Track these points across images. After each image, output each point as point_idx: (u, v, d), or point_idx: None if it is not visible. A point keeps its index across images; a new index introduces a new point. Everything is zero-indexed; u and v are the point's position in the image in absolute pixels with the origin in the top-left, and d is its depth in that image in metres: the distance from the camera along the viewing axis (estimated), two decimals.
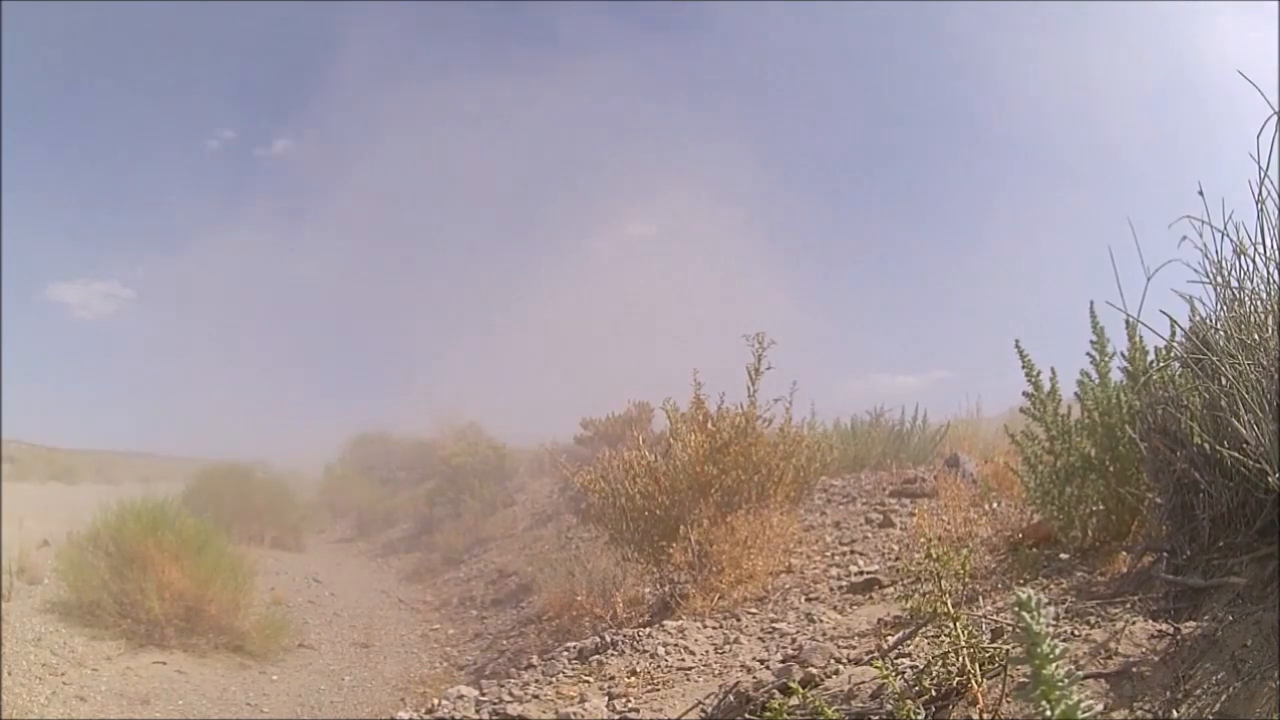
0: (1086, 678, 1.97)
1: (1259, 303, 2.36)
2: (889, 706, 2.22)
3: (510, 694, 3.62)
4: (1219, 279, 2.45)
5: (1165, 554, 2.67)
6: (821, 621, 3.80)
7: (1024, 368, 3.57)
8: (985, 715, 1.99)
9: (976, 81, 25.70)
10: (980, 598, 3.22)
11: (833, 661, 2.95)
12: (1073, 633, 2.31)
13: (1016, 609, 1.25)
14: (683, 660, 3.61)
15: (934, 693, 2.17)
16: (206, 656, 6.47)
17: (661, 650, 3.72)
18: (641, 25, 25.86)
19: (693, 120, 27.69)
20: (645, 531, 5.33)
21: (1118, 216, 2.74)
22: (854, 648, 3.15)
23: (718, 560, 4.75)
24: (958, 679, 2.12)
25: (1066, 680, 1.20)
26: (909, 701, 2.06)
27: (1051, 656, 1.21)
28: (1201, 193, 2.36)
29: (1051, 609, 2.53)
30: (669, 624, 4.08)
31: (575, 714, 3.20)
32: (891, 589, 4.06)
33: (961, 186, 26.10)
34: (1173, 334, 2.88)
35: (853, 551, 5.17)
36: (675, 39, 25.76)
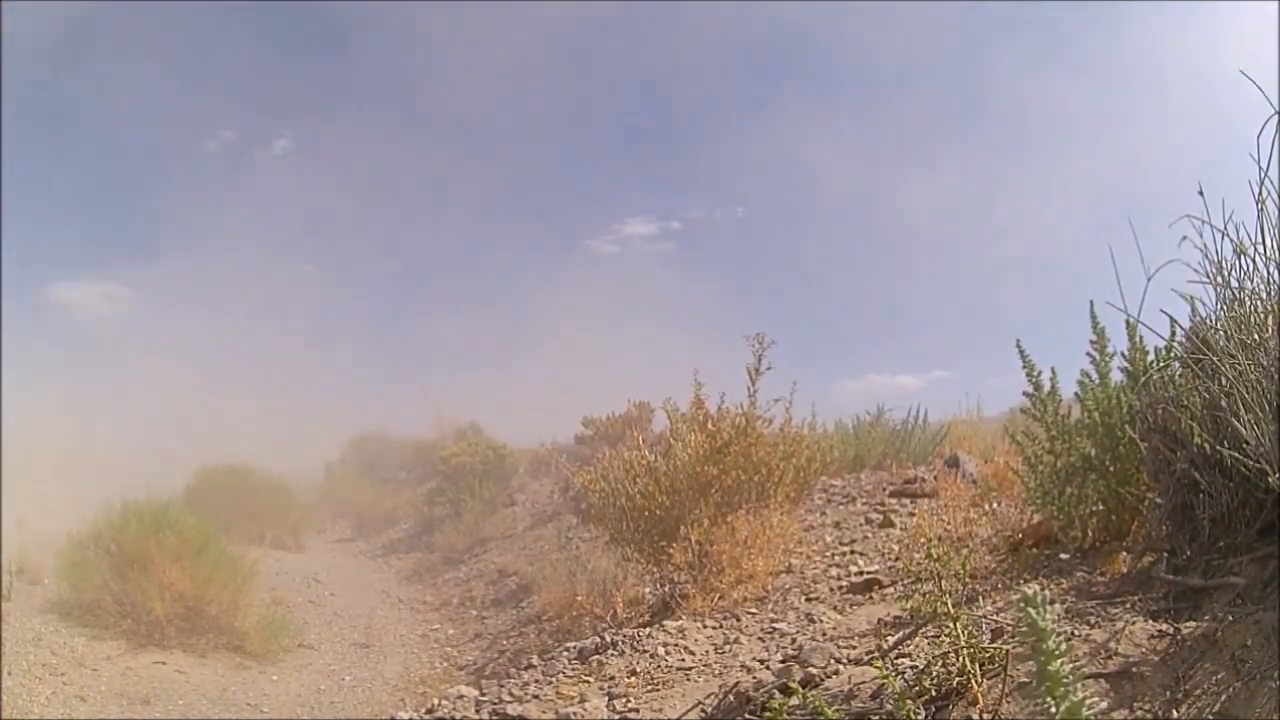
0: (1086, 678, 1.97)
1: (1259, 303, 2.36)
2: (889, 706, 2.22)
3: (510, 694, 3.62)
4: (1219, 279, 2.45)
5: (1165, 554, 2.67)
6: (821, 621, 3.80)
7: (1024, 368, 3.57)
8: (985, 715, 1.99)
9: (974, 80, 25.69)
10: (980, 598, 3.22)
11: (833, 661, 2.95)
12: (1073, 633, 2.31)
13: (1023, 604, 1.24)
14: (683, 660, 3.61)
15: (934, 693, 2.17)
16: (206, 656, 6.47)
17: (661, 650, 3.72)
18: (641, 20, 25.86)
19: (691, 119, 27.67)
20: (645, 531, 5.33)
21: (1118, 216, 2.74)
22: (854, 648, 3.16)
23: (718, 560, 4.75)
24: (958, 679, 2.13)
25: (1071, 677, 1.20)
26: (909, 701, 2.06)
27: (1058, 653, 1.21)
28: (1201, 193, 2.36)
29: (1057, 606, 2.54)
30: (669, 624, 4.08)
31: (575, 714, 3.20)
32: (891, 589, 4.06)
33: (961, 185, 26.10)
34: (1173, 334, 2.88)
35: (853, 551, 5.17)
36: (673, 35, 25.77)
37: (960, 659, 2.12)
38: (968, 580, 3.01)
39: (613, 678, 3.56)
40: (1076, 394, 3.48)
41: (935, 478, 6.76)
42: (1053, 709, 1.19)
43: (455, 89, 27.58)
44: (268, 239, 26.87)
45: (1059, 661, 1.20)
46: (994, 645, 2.20)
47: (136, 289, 25.72)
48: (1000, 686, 2.03)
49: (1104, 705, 1.87)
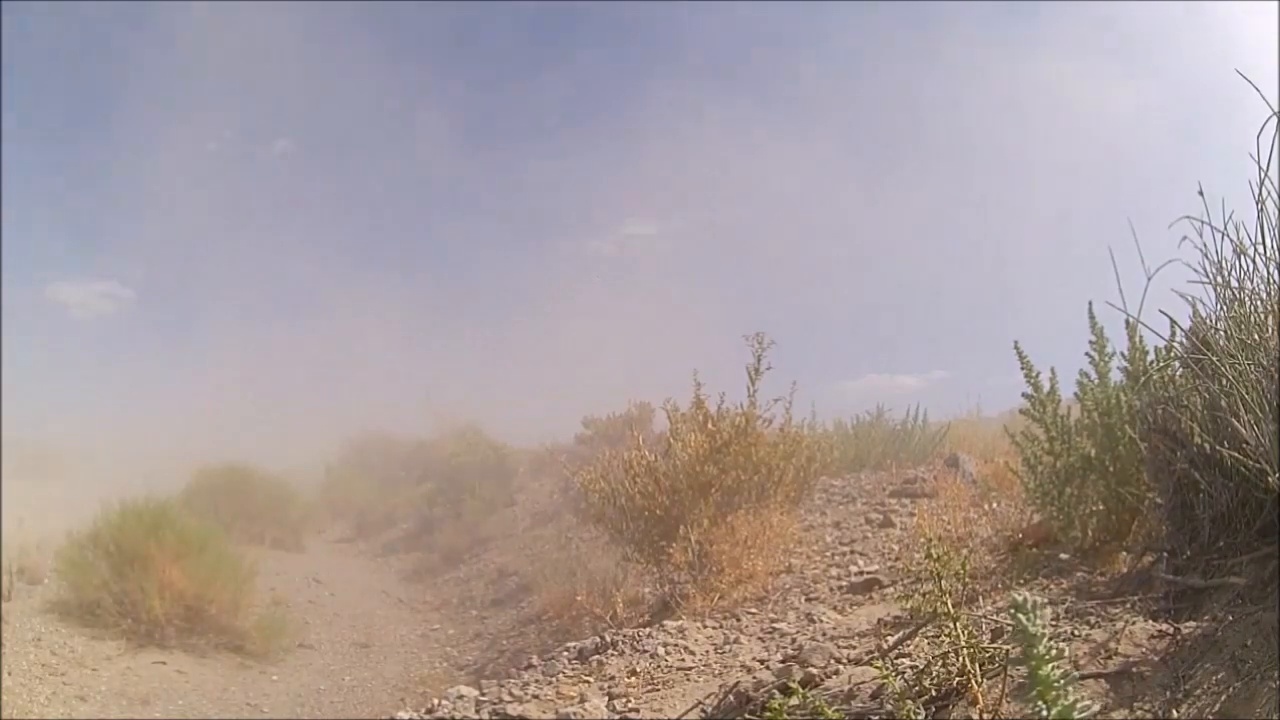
0: (1086, 678, 1.97)
1: (1259, 303, 2.36)
2: (889, 706, 2.22)
3: (510, 694, 3.62)
4: (1219, 279, 2.44)
5: (1165, 554, 2.67)
6: (821, 621, 3.80)
7: (1023, 368, 3.57)
8: (985, 715, 1.99)
9: (973, 81, 25.72)
10: (980, 598, 3.22)
11: (833, 661, 2.95)
12: (1073, 633, 2.31)
13: (1013, 610, 1.25)
14: (683, 660, 3.61)
15: (934, 693, 2.17)
16: (206, 656, 6.47)
17: (661, 650, 3.72)
18: (641, 18, 25.89)
19: (693, 117, 27.70)
20: (645, 531, 5.34)
21: (1118, 216, 2.74)
22: (854, 648, 3.16)
23: (718, 560, 4.75)
24: (958, 679, 2.12)
25: (1063, 681, 1.20)
26: (909, 701, 2.06)
27: (1048, 657, 1.21)
28: (1201, 193, 2.36)
29: (1049, 609, 2.54)
30: (669, 624, 4.08)
31: (575, 714, 3.20)
32: (891, 589, 4.06)
33: (960, 185, 26.14)
34: (1173, 334, 2.88)
35: (853, 551, 5.18)
36: (676, 32, 25.81)
37: (960, 659, 2.12)
38: (968, 580, 3.01)
39: (613, 678, 3.56)
40: (1076, 394, 3.48)
41: (935, 478, 6.77)
42: (1045, 713, 1.19)
43: (456, 89, 27.62)
44: (268, 239, 26.89)
45: (1050, 666, 1.20)
46: (994, 645, 2.20)
47: (136, 289, 25.77)
48: (1000, 686, 2.03)
49: (1103, 705, 1.87)
